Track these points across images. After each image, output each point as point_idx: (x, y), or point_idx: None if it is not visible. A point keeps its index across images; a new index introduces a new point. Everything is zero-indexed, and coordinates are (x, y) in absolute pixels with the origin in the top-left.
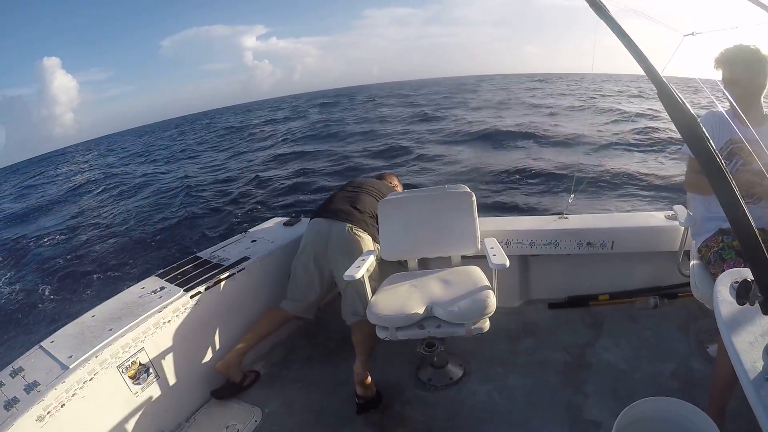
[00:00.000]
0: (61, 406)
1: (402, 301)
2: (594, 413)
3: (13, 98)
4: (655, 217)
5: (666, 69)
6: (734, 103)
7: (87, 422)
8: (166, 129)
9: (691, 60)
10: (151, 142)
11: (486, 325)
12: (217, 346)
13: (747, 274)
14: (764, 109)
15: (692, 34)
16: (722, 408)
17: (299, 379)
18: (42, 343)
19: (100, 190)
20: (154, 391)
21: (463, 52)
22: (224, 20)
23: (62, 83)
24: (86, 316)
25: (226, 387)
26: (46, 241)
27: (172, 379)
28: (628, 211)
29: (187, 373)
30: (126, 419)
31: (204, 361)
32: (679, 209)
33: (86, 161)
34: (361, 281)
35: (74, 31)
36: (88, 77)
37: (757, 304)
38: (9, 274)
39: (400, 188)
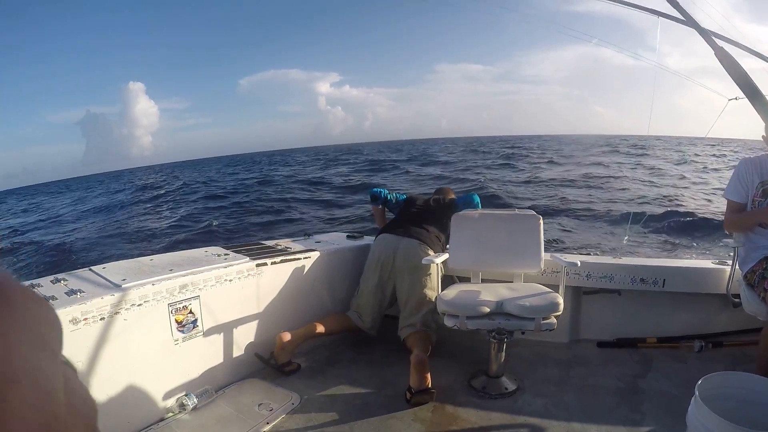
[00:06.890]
0: (101, 319)
1: (473, 295)
2: (652, 424)
3: (97, 115)
4: (704, 263)
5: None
6: None
7: (118, 349)
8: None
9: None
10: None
11: (555, 321)
12: (268, 324)
13: None
14: None
15: (735, 98)
16: None
17: (343, 375)
18: (92, 267)
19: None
20: (194, 346)
21: (532, 110)
22: (301, 66)
23: (144, 107)
24: (143, 258)
25: (269, 359)
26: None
27: (216, 342)
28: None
29: (231, 341)
30: (158, 366)
31: (252, 333)
32: (733, 236)
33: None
34: (426, 291)
35: (160, 60)
36: (169, 105)
37: None
38: None
39: None
